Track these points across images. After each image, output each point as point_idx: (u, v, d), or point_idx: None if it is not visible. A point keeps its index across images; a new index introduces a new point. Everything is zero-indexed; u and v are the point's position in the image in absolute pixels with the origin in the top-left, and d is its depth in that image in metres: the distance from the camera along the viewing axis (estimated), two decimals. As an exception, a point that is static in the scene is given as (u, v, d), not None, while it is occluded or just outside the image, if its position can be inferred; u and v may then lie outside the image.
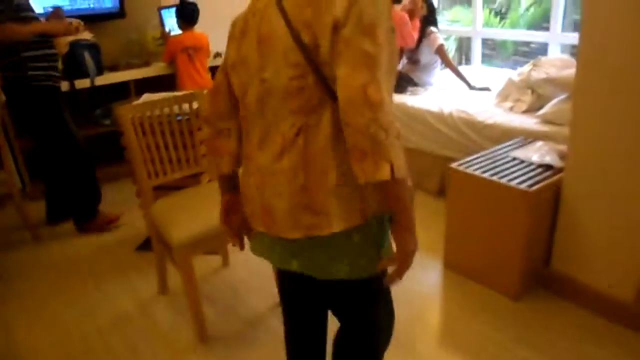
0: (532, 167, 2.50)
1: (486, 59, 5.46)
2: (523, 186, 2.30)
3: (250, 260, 2.90)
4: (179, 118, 2.54)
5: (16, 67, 2.95)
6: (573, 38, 3.68)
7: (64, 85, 3.61)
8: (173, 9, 4.14)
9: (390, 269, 1.29)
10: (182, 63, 4.09)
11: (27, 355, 2.35)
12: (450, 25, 6.19)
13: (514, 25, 6.60)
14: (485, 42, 5.02)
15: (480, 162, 2.61)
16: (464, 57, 6.26)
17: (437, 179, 3.59)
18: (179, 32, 4.16)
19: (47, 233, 3.47)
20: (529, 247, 2.39)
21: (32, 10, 3.03)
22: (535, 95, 3.29)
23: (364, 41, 1.11)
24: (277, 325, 2.32)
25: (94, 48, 3.89)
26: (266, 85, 1.24)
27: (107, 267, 3.02)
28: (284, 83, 1.20)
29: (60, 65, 3.42)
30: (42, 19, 3.11)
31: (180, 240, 2.17)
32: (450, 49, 6.32)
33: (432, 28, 4.08)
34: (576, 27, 3.29)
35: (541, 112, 3.09)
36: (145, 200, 2.48)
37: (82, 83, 3.84)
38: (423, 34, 4.07)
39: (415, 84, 4.12)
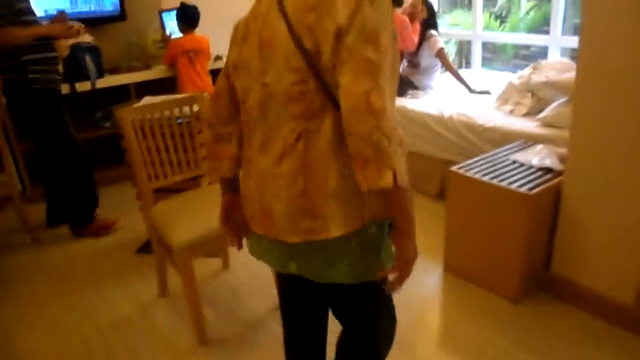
0: (532, 170, 2.50)
1: (486, 62, 5.46)
2: (523, 189, 2.30)
3: (251, 263, 2.89)
4: (179, 121, 2.54)
5: (16, 71, 2.96)
6: (573, 41, 3.68)
7: (65, 88, 3.61)
8: (174, 12, 4.14)
9: (391, 277, 1.29)
10: (183, 66, 4.10)
11: (27, 358, 2.35)
12: (450, 29, 6.20)
13: (514, 29, 6.62)
14: (485, 45, 5.03)
15: (481, 165, 2.61)
16: (464, 60, 6.26)
17: (437, 182, 3.59)
18: (180, 35, 4.17)
19: (47, 236, 3.47)
20: (529, 250, 2.39)
21: (34, 14, 3.04)
22: (535, 98, 3.30)
23: (367, 49, 1.11)
24: (277, 328, 2.31)
25: (94, 51, 3.90)
26: (267, 90, 1.24)
27: (107, 269, 3.02)
28: (285, 88, 1.20)
29: (61, 68, 3.43)
30: (44, 22, 3.11)
31: (181, 242, 2.17)
32: (451, 52, 6.34)
33: (432, 31, 4.10)
34: (576, 30, 3.30)
35: (541, 115, 3.10)
36: (146, 203, 2.48)
37: (83, 86, 3.85)
38: (423, 38, 4.08)
39: (415, 87, 4.13)
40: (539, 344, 2.21)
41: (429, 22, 4.13)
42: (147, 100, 2.85)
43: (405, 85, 4.07)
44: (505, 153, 2.74)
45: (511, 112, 3.37)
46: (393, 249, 1.27)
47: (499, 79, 4.03)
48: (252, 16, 1.30)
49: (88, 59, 3.82)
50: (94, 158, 3.43)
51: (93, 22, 4.09)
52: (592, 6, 2.09)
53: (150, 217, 2.44)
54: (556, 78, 3.15)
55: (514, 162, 2.61)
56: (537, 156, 2.60)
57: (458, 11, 6.73)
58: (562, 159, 2.48)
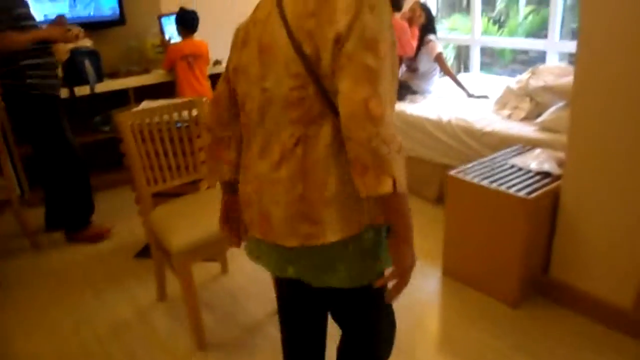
0: (530, 174, 2.51)
1: (485, 67, 5.47)
2: (521, 193, 2.30)
3: (249, 268, 2.90)
4: (178, 125, 2.55)
5: (15, 76, 2.95)
6: (571, 46, 3.69)
7: (64, 92, 3.62)
8: (173, 17, 4.15)
9: (390, 284, 1.29)
10: (182, 70, 4.10)
11: (25, 363, 2.35)
12: (449, 34, 6.22)
13: (512, 34, 6.63)
14: (483, 50, 5.04)
15: (479, 169, 2.61)
16: (462, 65, 6.28)
17: (436, 187, 3.59)
18: (179, 39, 4.18)
19: (46, 240, 3.46)
20: (527, 255, 2.39)
21: (33, 19, 3.03)
22: (533, 103, 3.31)
23: (366, 55, 1.11)
24: (275, 333, 2.31)
25: (94, 55, 3.91)
26: (267, 95, 1.24)
27: (106, 274, 3.02)
28: (285, 93, 1.21)
29: (60, 72, 3.43)
30: (44, 27, 3.10)
31: (180, 247, 2.17)
32: (449, 57, 6.36)
33: (431, 36, 4.11)
34: (574, 35, 3.30)
35: (539, 119, 3.11)
36: (144, 207, 2.48)
37: (82, 90, 3.85)
38: (422, 42, 4.09)
39: (414, 92, 4.14)
40: (538, 348, 2.20)
41: (428, 26, 4.14)
42: (146, 104, 2.85)
43: (404, 90, 4.08)
44: (503, 157, 2.75)
45: (509, 116, 3.38)
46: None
47: (498, 84, 4.04)
48: (252, 21, 1.31)
49: (87, 63, 3.83)
50: (93, 162, 3.44)
51: (92, 26, 4.10)
52: (589, 11, 2.10)
53: (149, 221, 2.44)
54: (554, 82, 3.16)
55: (513, 166, 2.61)
56: (536, 160, 2.60)
57: (457, 16, 6.75)
58: (560, 163, 2.49)
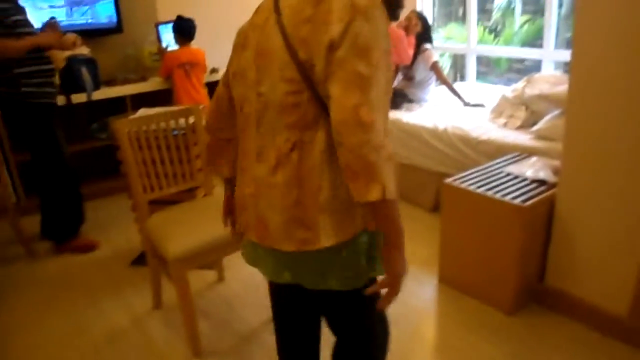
0: (526, 182, 2.52)
1: (481, 75, 5.50)
2: (517, 201, 2.31)
3: (245, 275, 2.90)
4: (175, 133, 2.56)
5: (9, 84, 2.93)
6: (566, 55, 3.72)
7: (61, 100, 3.61)
8: (170, 25, 4.16)
9: (383, 292, 1.29)
10: (179, 78, 4.11)
11: (19, 371, 2.34)
12: (445, 42, 6.25)
13: (508, 43, 6.67)
14: (479, 59, 5.07)
15: (475, 177, 2.62)
16: (458, 73, 6.31)
17: (432, 195, 3.60)
18: (176, 47, 4.19)
19: (41, 248, 3.44)
20: (523, 262, 2.39)
21: (30, 26, 3.01)
22: (529, 111, 3.32)
23: (358, 63, 1.12)
24: (271, 340, 2.29)
25: (91, 63, 3.91)
26: (263, 99, 1.26)
27: (102, 282, 3.01)
28: (280, 98, 1.21)
29: (57, 79, 3.42)
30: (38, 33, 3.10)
31: (176, 254, 2.16)
32: (445, 65, 6.38)
33: (427, 45, 4.13)
34: (569, 44, 3.33)
35: (535, 128, 3.12)
36: (141, 215, 2.48)
37: (79, 98, 3.85)
38: (418, 51, 4.11)
39: (410, 101, 4.15)
40: (534, 356, 2.21)
41: (424, 35, 4.16)
42: (143, 112, 2.86)
43: (400, 98, 4.09)
44: (499, 165, 2.76)
45: (505, 124, 3.40)
46: None
47: (493, 92, 4.07)
48: (251, 25, 1.32)
49: (84, 70, 3.83)
50: (89, 169, 3.43)
51: (90, 34, 4.11)
52: (584, 21, 2.12)
53: (145, 228, 2.44)
54: (549, 91, 3.17)
55: (508, 174, 2.62)
56: (531, 168, 2.61)
57: (453, 25, 6.79)
58: (555, 171, 2.50)
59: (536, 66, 4.23)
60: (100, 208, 4.01)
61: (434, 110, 3.94)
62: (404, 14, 4.19)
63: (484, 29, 6.69)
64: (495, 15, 6.81)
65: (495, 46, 6.57)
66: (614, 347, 2.22)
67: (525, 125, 3.28)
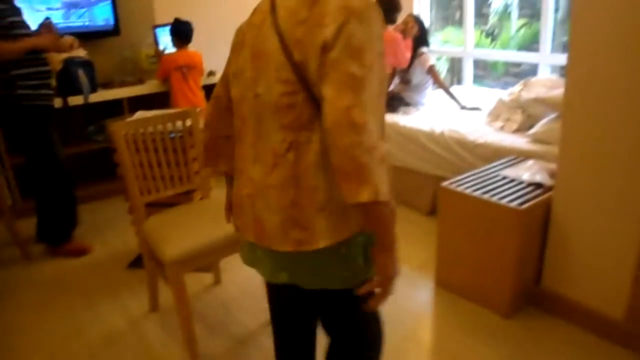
0: (522, 185, 2.52)
1: (477, 79, 5.51)
2: (514, 204, 2.32)
3: (242, 278, 2.90)
4: (172, 135, 2.55)
5: (5, 86, 2.92)
6: (562, 59, 3.73)
7: (57, 102, 3.60)
8: (167, 28, 4.17)
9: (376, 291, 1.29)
10: (176, 81, 4.12)
11: (15, 374, 2.33)
12: (442, 46, 6.27)
13: (504, 47, 6.69)
14: (476, 62, 5.08)
15: (472, 180, 2.63)
16: (455, 77, 6.32)
17: (429, 198, 3.60)
18: (173, 50, 4.19)
19: (37, 250, 3.44)
20: (520, 265, 2.40)
21: (26, 27, 3.00)
22: (525, 114, 3.33)
23: (351, 64, 1.12)
24: (268, 343, 2.30)
25: (88, 65, 3.90)
26: (259, 100, 1.26)
27: (98, 284, 3.00)
28: (275, 99, 1.22)
29: (54, 82, 3.41)
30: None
31: (173, 256, 2.16)
32: (442, 69, 6.40)
33: (424, 48, 4.14)
34: (565, 48, 3.34)
35: (531, 131, 3.13)
36: (138, 217, 2.48)
37: (76, 100, 3.84)
38: (415, 55, 4.12)
39: (407, 104, 4.16)
40: (530, 359, 2.21)
41: (421, 39, 4.17)
42: (140, 114, 2.86)
43: (397, 102, 4.10)
44: (496, 169, 2.77)
45: (502, 128, 3.41)
46: None
47: (490, 96, 4.07)
48: (248, 25, 1.33)
49: (81, 73, 3.82)
50: (86, 172, 3.42)
51: (87, 36, 4.10)
52: (580, 25, 2.13)
53: (142, 231, 2.43)
54: (546, 95, 3.18)
55: (505, 177, 2.63)
56: (528, 172, 2.62)
57: (450, 28, 6.81)
58: (552, 175, 2.51)
59: (532, 70, 4.24)
60: (97, 210, 4.00)
61: (430, 114, 3.95)
62: (401, 17, 4.21)
63: (481, 33, 6.72)
64: (492, 19, 6.84)
65: (492, 50, 6.59)
66: (610, 351, 2.23)
67: (521, 129, 3.29)
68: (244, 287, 2.85)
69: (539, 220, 2.41)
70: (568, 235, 2.36)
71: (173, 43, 4.16)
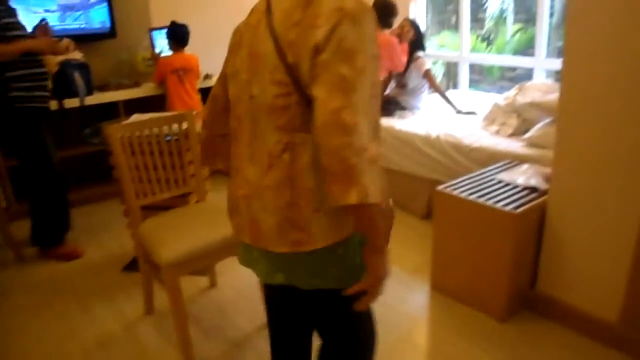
0: (517, 189, 2.53)
1: (473, 83, 5.53)
2: (509, 208, 2.32)
3: (238, 281, 2.89)
4: (167, 138, 2.55)
5: None
6: (557, 64, 3.75)
7: (53, 105, 3.60)
8: (164, 31, 4.17)
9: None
10: (172, 84, 4.12)
11: (9, 377, 2.32)
12: (438, 50, 6.28)
13: (500, 51, 6.71)
14: (472, 67, 5.10)
15: (467, 184, 2.64)
16: (451, 81, 6.34)
17: (424, 202, 3.61)
18: (170, 53, 4.19)
19: (31, 253, 3.42)
20: (515, 269, 2.40)
21: (22, 29, 2.98)
22: (520, 119, 3.35)
23: (342, 66, 1.13)
24: (264, 346, 2.30)
25: (84, 68, 3.90)
26: (254, 102, 1.27)
27: (93, 287, 2.99)
28: (270, 100, 1.23)
29: (50, 84, 3.40)
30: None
31: (168, 259, 2.16)
32: (438, 73, 6.41)
33: (420, 53, 4.15)
34: (560, 53, 3.36)
35: (526, 135, 3.14)
36: (133, 220, 2.47)
37: (72, 102, 3.84)
38: (411, 59, 4.13)
39: (403, 108, 4.17)
40: (525, 363, 2.22)
41: (417, 43, 4.19)
42: (136, 117, 2.86)
43: (393, 106, 4.11)
44: (491, 173, 2.78)
45: (497, 132, 3.42)
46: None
47: (486, 100, 4.09)
48: (246, 25, 1.33)
49: (77, 75, 3.82)
50: (82, 174, 3.41)
51: (83, 39, 4.10)
52: (574, 30, 2.15)
53: (137, 234, 2.43)
54: (541, 99, 3.20)
55: (500, 181, 2.64)
56: (523, 176, 2.63)
57: (446, 33, 6.82)
58: (547, 179, 2.52)
59: (528, 74, 4.26)
60: (93, 213, 3.99)
61: (426, 118, 3.96)
62: (397, 21, 4.22)
63: (477, 37, 6.73)
64: (488, 23, 6.85)
65: (487, 54, 6.60)
66: (604, 354, 2.23)
67: (517, 133, 3.30)
68: (239, 290, 2.85)
69: (533, 224, 2.42)
70: (563, 239, 2.37)
71: (169, 46, 4.16)
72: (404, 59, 4.11)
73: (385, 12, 4.09)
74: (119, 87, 4.33)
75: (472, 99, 4.32)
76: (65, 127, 4.10)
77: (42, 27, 3.11)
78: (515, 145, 3.13)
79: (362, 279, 1.28)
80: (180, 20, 4.12)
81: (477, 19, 6.64)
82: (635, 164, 2.05)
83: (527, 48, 6.13)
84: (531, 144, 3.08)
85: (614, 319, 2.24)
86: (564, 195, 2.32)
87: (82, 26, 4.28)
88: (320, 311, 1.52)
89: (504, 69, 6.65)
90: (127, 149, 2.39)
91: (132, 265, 3.11)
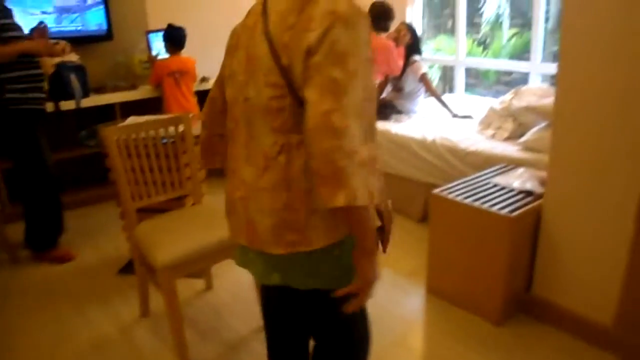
0: (513, 193, 2.54)
1: (469, 87, 5.54)
2: (504, 212, 2.33)
3: (234, 284, 2.89)
4: (164, 141, 2.55)
5: None
6: (552, 68, 3.76)
7: (49, 107, 3.58)
8: (161, 33, 4.17)
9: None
10: (169, 87, 4.11)
11: (3, 379, 2.31)
12: (434, 54, 6.30)
13: (496, 55, 6.73)
14: (468, 71, 5.11)
15: (463, 188, 2.64)
16: (447, 85, 6.35)
17: (420, 205, 3.62)
18: (166, 56, 4.19)
19: (26, 255, 3.40)
20: (510, 272, 2.41)
21: (19, 30, 2.97)
22: (516, 123, 3.36)
23: (333, 69, 1.13)
24: (260, 349, 2.30)
25: (80, 70, 3.90)
26: (249, 104, 1.28)
27: (88, 290, 2.98)
28: (265, 102, 1.23)
29: (46, 86, 3.39)
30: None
31: (164, 262, 2.16)
32: (434, 77, 6.43)
33: (416, 56, 4.17)
34: (555, 58, 3.37)
35: (522, 139, 3.16)
36: (129, 222, 2.47)
37: (68, 105, 3.83)
38: (407, 63, 4.14)
39: (399, 112, 4.17)
40: (521, 366, 2.22)
41: (413, 47, 4.20)
42: (132, 120, 2.85)
43: (389, 110, 4.12)
44: (487, 176, 2.78)
45: (493, 136, 3.43)
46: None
47: (481, 104, 4.10)
48: (243, 27, 1.34)
49: (73, 77, 3.81)
50: (77, 177, 3.39)
51: (79, 41, 4.09)
52: (570, 35, 2.16)
53: (133, 236, 2.42)
54: (536, 103, 3.21)
55: (496, 185, 2.65)
56: (518, 179, 2.64)
57: (442, 37, 6.84)
58: (542, 182, 2.52)
59: (523, 79, 4.28)
60: (89, 216, 3.98)
61: (422, 122, 3.97)
62: (393, 25, 4.23)
63: (473, 42, 6.75)
64: (484, 28, 6.88)
65: (483, 59, 6.62)
66: (599, 357, 2.24)
67: (512, 137, 3.31)
68: (235, 293, 2.84)
69: (529, 227, 2.42)
70: (558, 242, 2.38)
71: (166, 49, 4.16)
72: (401, 62, 4.12)
73: (381, 16, 4.10)
74: (116, 89, 4.32)
75: (468, 103, 4.33)
76: (61, 130, 4.09)
77: (39, 29, 3.09)
78: (510, 149, 3.14)
79: (352, 282, 1.29)
80: (177, 23, 4.12)
81: (473, 24, 6.66)
82: (631, 168, 2.06)
83: (522, 52, 6.15)
84: (527, 148, 3.09)
85: (609, 322, 2.25)
86: (560, 199, 2.33)
87: (79, 28, 4.27)
88: (315, 311, 1.52)
89: (499, 73, 6.67)
90: (123, 151, 2.39)
91: (127, 268, 3.10)
